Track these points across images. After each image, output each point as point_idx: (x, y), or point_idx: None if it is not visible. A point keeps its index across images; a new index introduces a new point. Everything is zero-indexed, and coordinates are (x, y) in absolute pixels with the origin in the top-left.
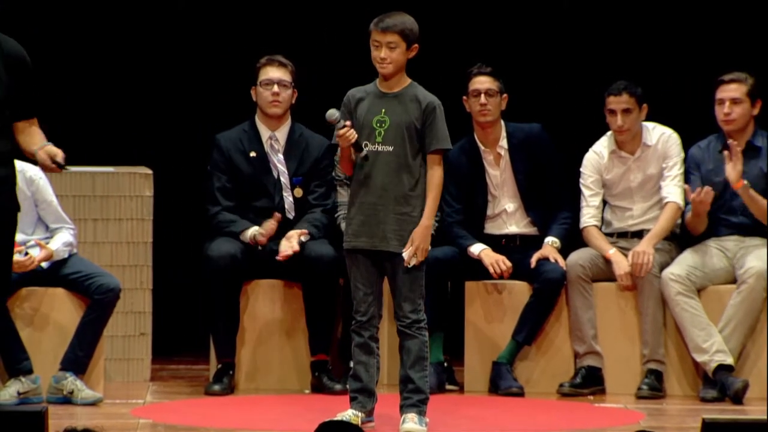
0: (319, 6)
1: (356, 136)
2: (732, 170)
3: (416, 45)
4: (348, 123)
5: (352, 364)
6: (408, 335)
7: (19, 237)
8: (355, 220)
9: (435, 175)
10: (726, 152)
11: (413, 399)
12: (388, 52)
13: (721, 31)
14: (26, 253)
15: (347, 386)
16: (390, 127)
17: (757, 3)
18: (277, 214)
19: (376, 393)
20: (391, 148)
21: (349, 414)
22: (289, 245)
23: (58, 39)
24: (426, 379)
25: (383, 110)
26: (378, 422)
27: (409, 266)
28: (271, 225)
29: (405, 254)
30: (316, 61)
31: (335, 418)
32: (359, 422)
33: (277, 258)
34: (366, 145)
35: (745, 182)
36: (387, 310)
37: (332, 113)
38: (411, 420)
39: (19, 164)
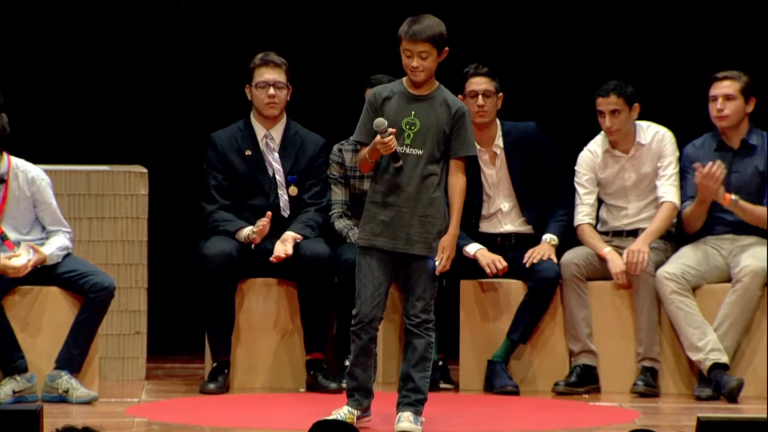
0: (315, 3)
1: (396, 145)
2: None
3: (446, 48)
4: (393, 130)
5: (347, 363)
6: (415, 334)
7: (13, 236)
8: (376, 220)
9: (459, 182)
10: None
11: (411, 398)
12: (420, 61)
13: (717, 30)
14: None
15: (342, 384)
16: (420, 130)
17: (752, 2)
18: (269, 213)
19: (373, 391)
20: (420, 152)
21: (345, 411)
22: (282, 248)
23: (54, 38)
24: (426, 380)
25: (413, 112)
26: (373, 420)
27: (437, 274)
28: (263, 223)
29: (437, 263)
30: (311, 59)
31: (330, 416)
32: (354, 420)
33: (270, 260)
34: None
35: (733, 197)
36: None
37: (381, 122)
38: (406, 419)
39: (21, 164)
